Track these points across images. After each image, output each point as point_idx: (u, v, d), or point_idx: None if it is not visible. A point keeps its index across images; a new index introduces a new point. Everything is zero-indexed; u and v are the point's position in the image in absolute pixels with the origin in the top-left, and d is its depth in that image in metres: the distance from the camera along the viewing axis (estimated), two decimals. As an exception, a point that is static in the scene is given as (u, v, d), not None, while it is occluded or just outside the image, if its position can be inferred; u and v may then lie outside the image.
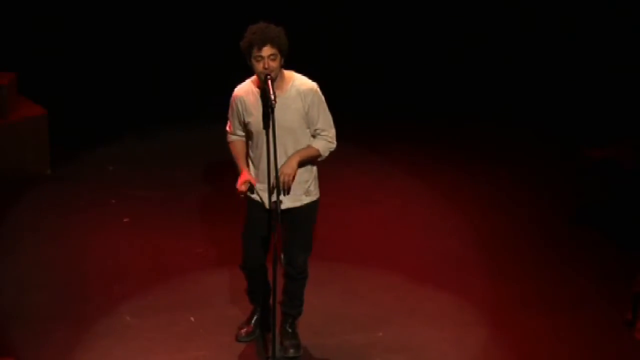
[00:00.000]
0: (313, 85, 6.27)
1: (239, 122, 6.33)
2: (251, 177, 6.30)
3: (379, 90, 11.14)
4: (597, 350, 6.79)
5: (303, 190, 6.36)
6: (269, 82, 6.01)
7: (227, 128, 6.45)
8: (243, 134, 6.40)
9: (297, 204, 6.35)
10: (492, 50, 11.71)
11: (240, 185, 6.25)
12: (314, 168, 6.40)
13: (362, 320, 7.05)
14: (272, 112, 5.97)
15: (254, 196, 6.35)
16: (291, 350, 6.66)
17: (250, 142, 6.36)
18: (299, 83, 6.23)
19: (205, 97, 10.14)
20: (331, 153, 6.38)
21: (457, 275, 7.65)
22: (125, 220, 8.46)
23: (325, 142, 6.32)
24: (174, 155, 9.68)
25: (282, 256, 6.46)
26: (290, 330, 6.72)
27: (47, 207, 8.68)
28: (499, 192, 8.99)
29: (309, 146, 6.30)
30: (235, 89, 6.33)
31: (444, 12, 12.10)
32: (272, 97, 5.95)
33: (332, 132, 6.33)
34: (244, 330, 6.82)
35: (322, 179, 6.53)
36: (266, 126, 6.10)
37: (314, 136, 6.32)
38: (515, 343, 6.84)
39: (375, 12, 12.10)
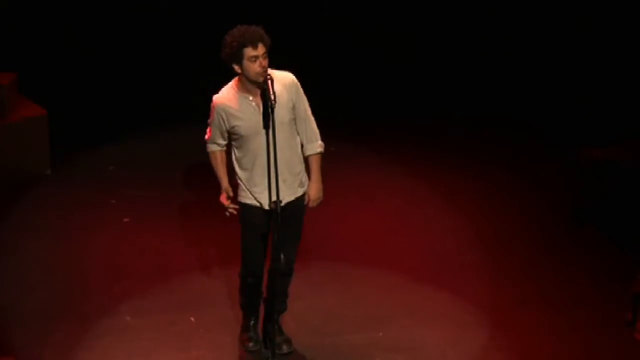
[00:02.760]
0: (291, 76, 6.30)
1: (221, 131, 6.31)
2: (229, 192, 6.35)
3: (380, 91, 11.14)
4: (597, 350, 6.79)
5: (298, 182, 6.39)
6: (269, 82, 6.01)
7: (206, 137, 6.42)
8: (224, 142, 6.38)
9: (294, 196, 6.36)
10: (492, 51, 11.70)
11: (227, 203, 6.36)
12: (303, 158, 6.43)
13: (362, 320, 7.05)
14: (272, 112, 5.97)
15: (251, 202, 6.35)
16: (284, 347, 6.65)
17: (237, 146, 6.33)
18: (280, 77, 6.21)
19: (204, 97, 10.14)
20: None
21: (457, 275, 7.65)
22: (125, 220, 8.46)
23: (318, 144, 6.39)
24: (173, 156, 9.67)
25: (281, 256, 6.43)
26: (276, 327, 6.68)
27: (47, 207, 8.68)
28: (499, 192, 8.98)
29: (311, 159, 6.38)
30: (215, 97, 6.28)
31: (444, 12, 12.10)
32: (273, 97, 5.96)
33: (317, 133, 6.40)
34: (250, 343, 6.73)
35: (322, 178, 6.52)
36: (266, 126, 6.09)
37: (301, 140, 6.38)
38: (515, 343, 6.84)
39: (375, 11, 12.10)
